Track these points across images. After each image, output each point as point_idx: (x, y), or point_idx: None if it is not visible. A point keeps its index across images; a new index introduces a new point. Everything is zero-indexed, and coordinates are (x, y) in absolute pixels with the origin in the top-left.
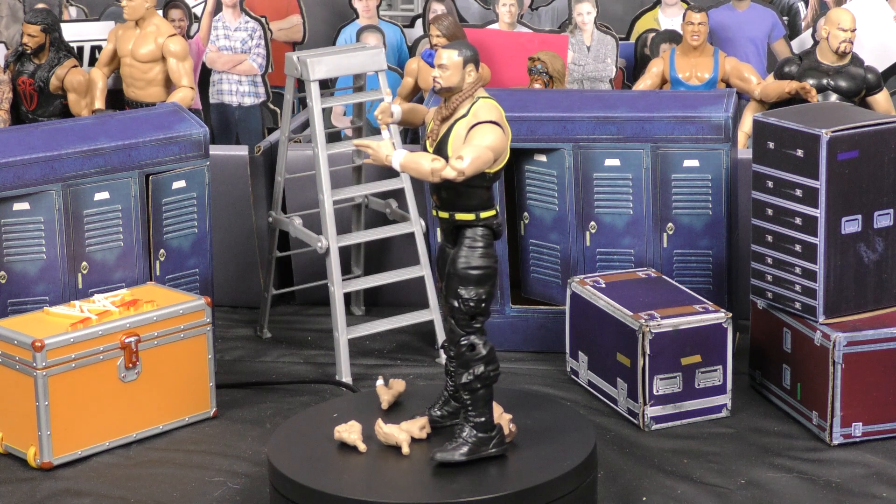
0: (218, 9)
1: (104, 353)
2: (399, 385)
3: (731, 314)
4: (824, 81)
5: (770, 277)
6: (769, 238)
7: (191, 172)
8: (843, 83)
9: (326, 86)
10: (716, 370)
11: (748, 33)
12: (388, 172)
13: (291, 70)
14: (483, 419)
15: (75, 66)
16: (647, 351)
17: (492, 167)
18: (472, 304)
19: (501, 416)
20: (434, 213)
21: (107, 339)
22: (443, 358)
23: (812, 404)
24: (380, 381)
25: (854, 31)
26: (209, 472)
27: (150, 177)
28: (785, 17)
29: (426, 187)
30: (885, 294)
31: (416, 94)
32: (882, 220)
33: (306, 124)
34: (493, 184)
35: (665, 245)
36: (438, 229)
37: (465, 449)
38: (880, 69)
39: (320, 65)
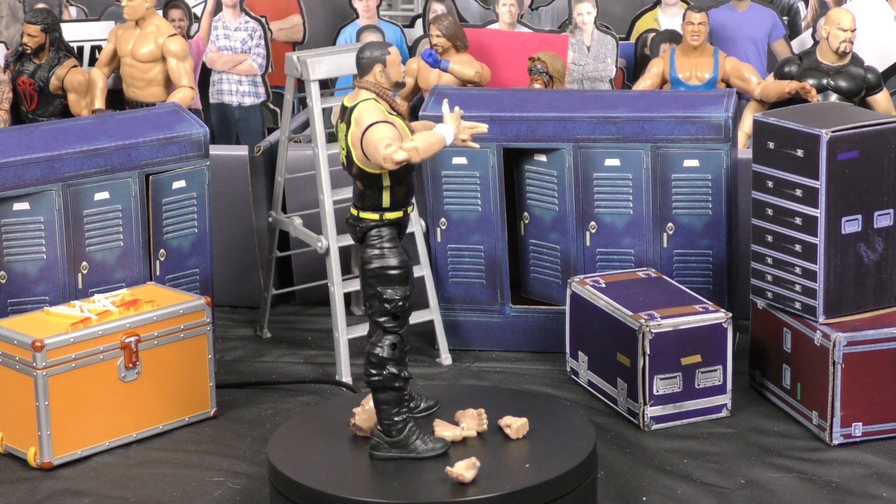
0: (218, 9)
1: (104, 353)
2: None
3: (731, 314)
4: (824, 81)
5: (770, 277)
6: (769, 238)
7: (191, 172)
8: (843, 83)
9: (326, 86)
10: (716, 370)
11: (748, 33)
12: None
13: (291, 70)
14: None
15: (75, 66)
16: (647, 351)
17: None
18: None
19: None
20: (410, 209)
21: (107, 339)
22: (443, 358)
23: (812, 404)
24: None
25: (854, 31)
26: (209, 472)
27: (150, 177)
28: (785, 17)
29: (426, 187)
30: (885, 294)
31: (416, 94)
32: (882, 220)
33: (306, 124)
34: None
35: (665, 245)
36: (438, 229)
37: None
38: (880, 69)
39: (320, 65)
